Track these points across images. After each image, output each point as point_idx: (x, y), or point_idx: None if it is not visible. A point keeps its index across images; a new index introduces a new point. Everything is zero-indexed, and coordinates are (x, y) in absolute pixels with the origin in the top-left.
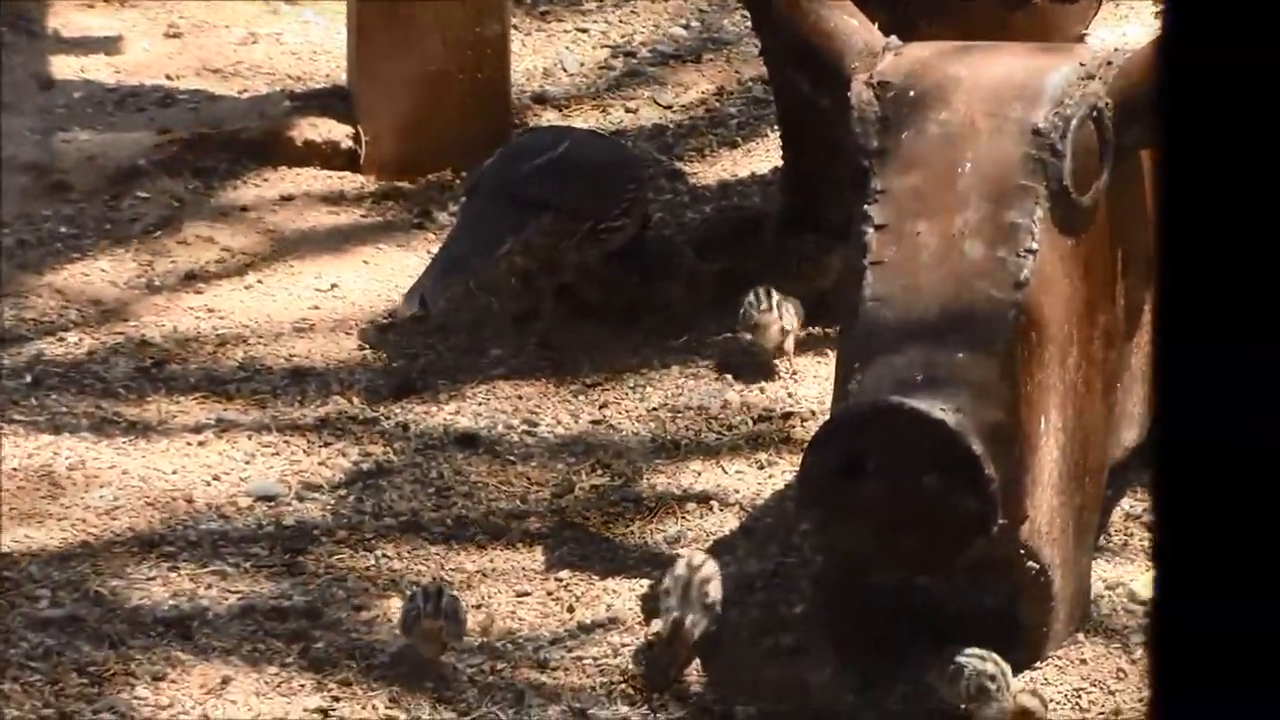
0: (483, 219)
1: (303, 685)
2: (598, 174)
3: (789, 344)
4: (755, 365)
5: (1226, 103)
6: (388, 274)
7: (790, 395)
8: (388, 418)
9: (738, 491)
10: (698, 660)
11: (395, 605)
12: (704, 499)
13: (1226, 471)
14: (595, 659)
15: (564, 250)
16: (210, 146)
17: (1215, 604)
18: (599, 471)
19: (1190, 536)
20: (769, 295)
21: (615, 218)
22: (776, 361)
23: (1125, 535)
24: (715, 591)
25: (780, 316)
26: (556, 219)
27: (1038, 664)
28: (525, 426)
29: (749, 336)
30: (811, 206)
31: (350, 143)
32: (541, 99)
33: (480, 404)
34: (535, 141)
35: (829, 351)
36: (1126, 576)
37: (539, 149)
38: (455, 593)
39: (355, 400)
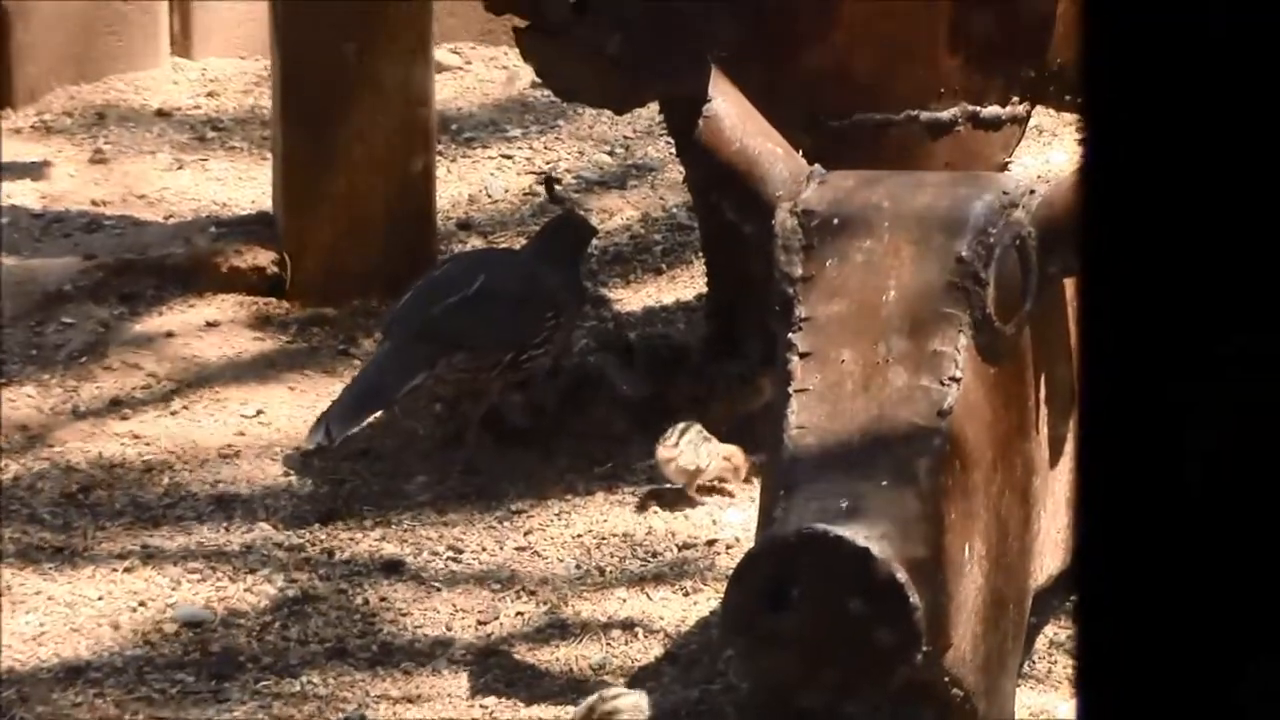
0: (395, 355)
1: None
2: (514, 307)
3: (698, 481)
4: (679, 493)
5: (1147, 231)
6: (313, 400)
7: (715, 522)
8: (313, 544)
9: (662, 618)
10: None
11: None
12: (629, 626)
13: (1147, 599)
14: None
15: (484, 381)
16: (136, 272)
17: None
18: (524, 598)
19: (1112, 664)
20: (681, 432)
21: (536, 346)
22: (692, 494)
23: (1049, 662)
24: None
25: (687, 454)
26: (470, 356)
27: None
28: (450, 553)
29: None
30: (735, 333)
31: (275, 269)
32: (466, 225)
33: (405, 530)
34: (450, 276)
35: (753, 478)
36: (1050, 704)
37: (453, 285)
38: None
39: (280, 527)
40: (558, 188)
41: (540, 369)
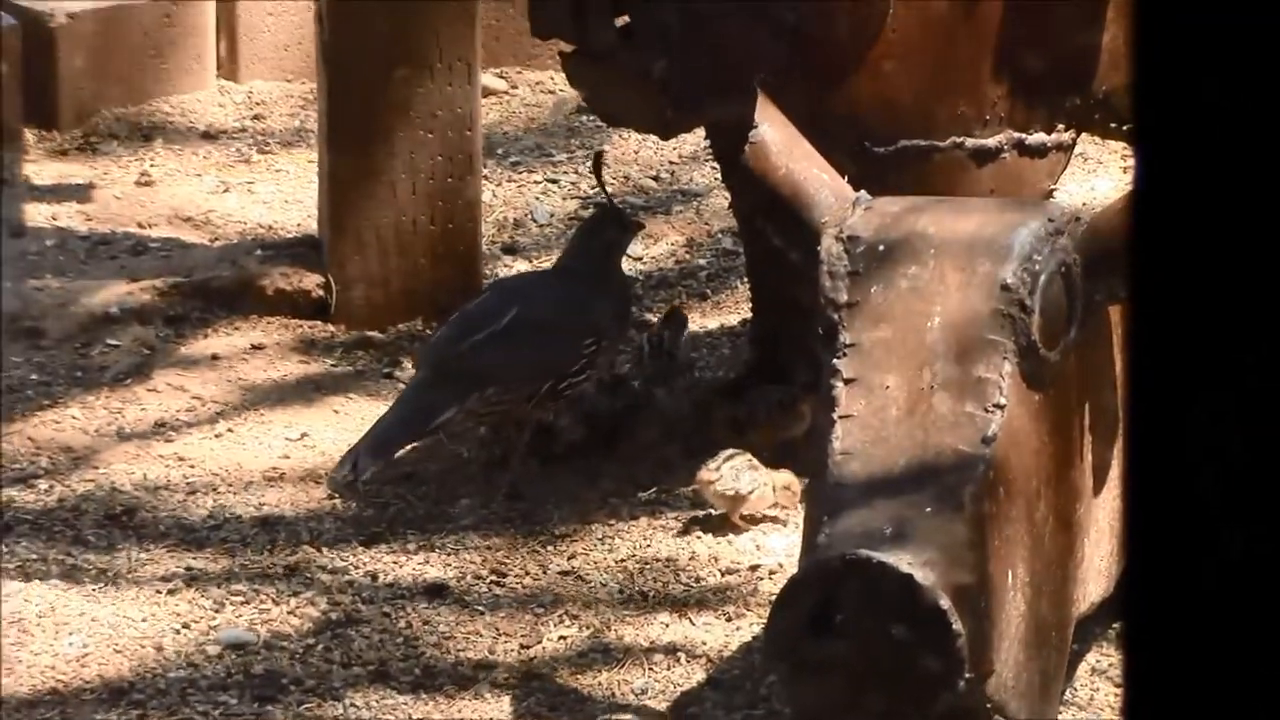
0: (426, 389)
1: None
2: (547, 338)
3: (741, 508)
4: (723, 518)
5: (1196, 258)
6: (358, 423)
7: (758, 548)
8: (357, 567)
9: (705, 643)
10: None
11: None
12: (671, 651)
13: (1195, 627)
14: None
15: (523, 411)
16: (182, 295)
17: None
18: (567, 622)
19: (1159, 692)
20: (726, 459)
21: (576, 373)
22: (735, 520)
23: (1091, 690)
24: None
25: (727, 479)
26: (501, 389)
27: None
28: (494, 577)
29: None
30: (780, 359)
31: (321, 292)
32: (512, 249)
33: (449, 554)
34: (485, 307)
35: (798, 504)
36: None
37: (487, 317)
38: None
39: (324, 549)
40: (606, 167)
41: (584, 394)
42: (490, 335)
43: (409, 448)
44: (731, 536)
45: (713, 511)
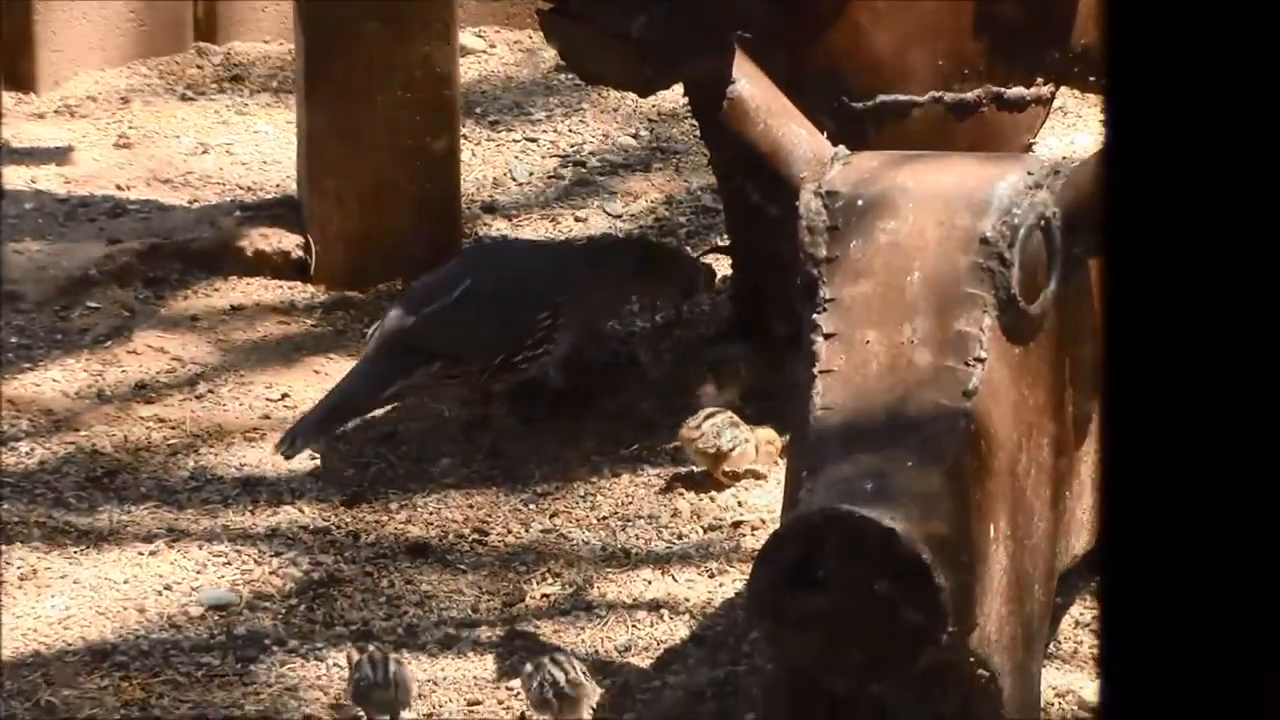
0: (371, 364)
1: None
2: (496, 314)
3: (724, 465)
4: (705, 475)
5: (1169, 211)
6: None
7: (740, 504)
8: (338, 527)
9: (688, 600)
10: None
11: (347, 715)
12: (654, 607)
13: (1171, 579)
14: None
15: (479, 384)
16: (161, 257)
17: (1160, 712)
18: (549, 580)
19: (1135, 643)
20: (707, 416)
21: (531, 347)
22: (718, 477)
23: (1075, 642)
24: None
25: (708, 436)
26: (448, 365)
27: None
28: (476, 535)
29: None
30: (760, 315)
31: (300, 253)
32: (491, 208)
33: (431, 513)
34: (443, 278)
35: (779, 460)
36: (1076, 684)
37: (440, 289)
38: (399, 660)
39: (306, 509)
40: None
41: (545, 367)
42: (440, 308)
43: (359, 420)
44: (714, 493)
45: (694, 469)
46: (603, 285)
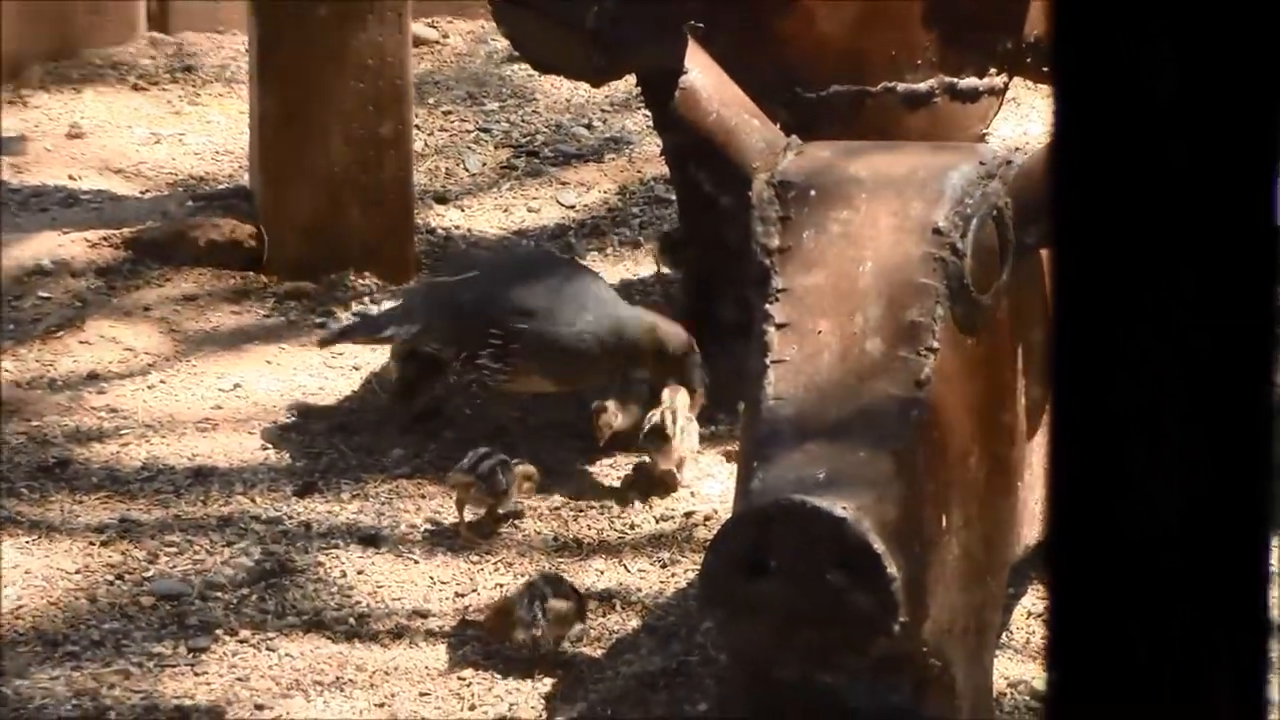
0: (410, 303)
1: None
2: (463, 313)
3: (681, 465)
4: (656, 466)
5: (1114, 200)
6: (289, 373)
7: (693, 494)
8: (290, 517)
9: (640, 590)
10: None
11: (298, 705)
12: (606, 597)
13: (1118, 569)
14: None
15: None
16: (113, 246)
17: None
18: (501, 570)
19: (1083, 634)
20: (671, 417)
21: (484, 356)
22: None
23: (1027, 633)
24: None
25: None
26: (417, 334)
27: None
28: (428, 525)
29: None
30: (712, 305)
31: (253, 243)
32: (443, 199)
33: (383, 503)
34: (485, 262)
35: (731, 451)
36: (1028, 674)
37: (466, 269)
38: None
39: (258, 499)
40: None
41: (499, 383)
42: (440, 284)
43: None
44: (665, 485)
45: (647, 460)
46: (580, 339)
